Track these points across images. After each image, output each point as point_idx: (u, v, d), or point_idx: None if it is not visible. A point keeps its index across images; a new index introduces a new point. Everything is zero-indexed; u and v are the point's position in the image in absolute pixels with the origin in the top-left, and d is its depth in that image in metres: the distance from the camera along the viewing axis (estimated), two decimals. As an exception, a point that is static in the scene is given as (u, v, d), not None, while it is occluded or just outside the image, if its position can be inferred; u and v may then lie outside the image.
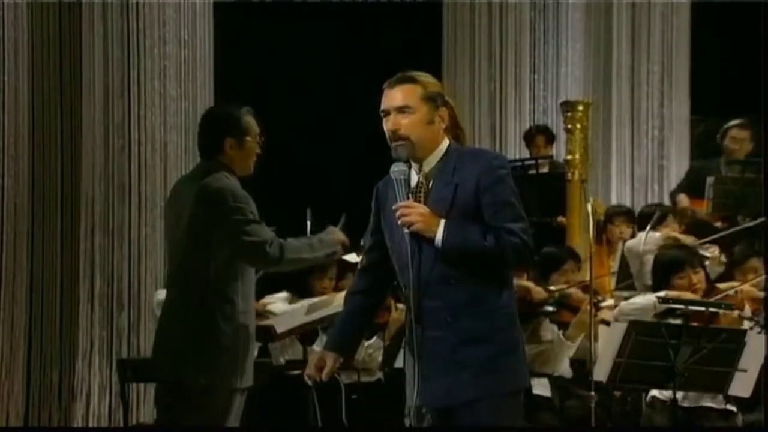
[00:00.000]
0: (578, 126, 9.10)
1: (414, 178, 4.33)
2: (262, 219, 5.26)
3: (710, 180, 9.01)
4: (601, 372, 5.99)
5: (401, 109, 4.30)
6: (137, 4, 8.45)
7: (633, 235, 8.86)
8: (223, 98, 8.76)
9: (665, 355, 5.81)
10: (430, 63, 10.06)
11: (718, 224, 9.12)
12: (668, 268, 6.66)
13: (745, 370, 5.92)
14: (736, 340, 5.91)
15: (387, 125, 4.33)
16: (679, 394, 6.18)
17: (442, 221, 4.20)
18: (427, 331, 4.24)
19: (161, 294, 6.09)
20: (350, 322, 4.55)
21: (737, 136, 9.49)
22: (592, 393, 6.45)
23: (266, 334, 6.36)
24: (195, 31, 8.74)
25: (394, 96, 4.33)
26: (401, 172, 4.30)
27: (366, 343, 7.08)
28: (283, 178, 9.35)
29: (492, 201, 4.22)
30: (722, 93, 10.30)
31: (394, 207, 4.26)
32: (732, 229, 8.46)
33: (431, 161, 4.32)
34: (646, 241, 8.21)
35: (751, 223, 8.41)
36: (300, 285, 6.92)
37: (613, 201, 10.22)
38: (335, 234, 5.48)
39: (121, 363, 7.09)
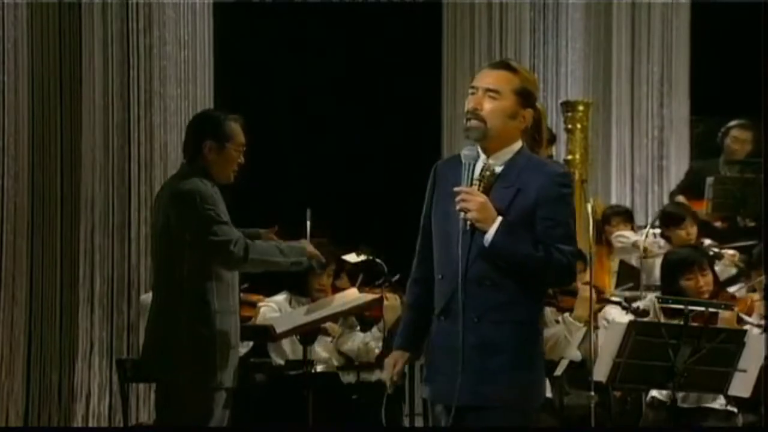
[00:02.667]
0: (578, 126, 9.11)
1: (479, 168, 4.22)
2: (230, 220, 5.32)
3: (710, 180, 9.01)
4: (600, 372, 5.98)
5: (490, 91, 4.20)
6: (137, 4, 8.44)
7: (632, 235, 8.88)
8: (222, 98, 8.77)
9: (665, 355, 5.80)
10: (430, 63, 10.07)
11: (718, 224, 9.13)
12: (676, 268, 6.64)
13: (744, 371, 5.91)
14: (736, 340, 5.91)
15: (469, 102, 4.23)
16: (679, 395, 6.18)
17: (499, 218, 4.11)
18: (452, 327, 4.16)
19: (148, 297, 6.20)
20: (411, 316, 4.41)
21: (739, 137, 9.50)
22: (592, 393, 6.45)
23: (266, 334, 6.37)
24: (195, 32, 8.73)
25: (488, 76, 4.24)
26: (472, 156, 4.19)
27: (362, 335, 7.09)
28: (283, 178, 9.36)
29: (547, 216, 4.14)
30: (722, 93, 10.29)
31: (455, 189, 4.16)
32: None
33: (500, 157, 4.22)
34: (648, 241, 8.24)
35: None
36: (298, 283, 6.92)
37: (613, 201, 10.22)
38: (306, 244, 5.52)
39: (121, 363, 7.10)
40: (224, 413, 5.37)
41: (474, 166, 4.19)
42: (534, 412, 4.24)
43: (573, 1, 10.54)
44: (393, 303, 6.95)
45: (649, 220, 8.87)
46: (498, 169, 4.21)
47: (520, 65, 4.33)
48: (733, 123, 9.57)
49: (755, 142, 9.43)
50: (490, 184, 4.19)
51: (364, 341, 7.02)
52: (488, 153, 4.23)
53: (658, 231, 8.46)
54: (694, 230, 8.46)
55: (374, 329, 7.06)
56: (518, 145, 4.25)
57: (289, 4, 9.73)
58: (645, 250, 8.20)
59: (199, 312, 5.27)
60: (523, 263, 4.12)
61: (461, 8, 10.30)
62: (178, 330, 5.28)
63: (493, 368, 4.12)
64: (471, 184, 4.17)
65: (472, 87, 4.25)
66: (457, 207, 4.13)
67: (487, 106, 4.19)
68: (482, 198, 4.12)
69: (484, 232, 4.11)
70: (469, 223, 4.13)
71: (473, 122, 4.20)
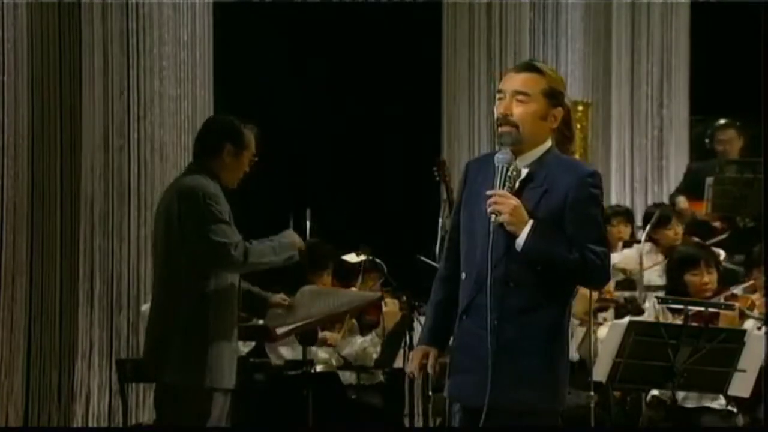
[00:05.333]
0: (578, 126, 9.11)
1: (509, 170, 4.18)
2: (231, 220, 5.30)
3: (709, 180, 9.04)
4: (600, 372, 5.99)
5: (519, 94, 4.17)
6: (137, 4, 8.44)
7: (632, 235, 8.89)
8: (222, 98, 8.77)
9: (664, 355, 5.81)
10: (430, 63, 10.08)
11: (717, 224, 9.15)
12: (683, 263, 6.66)
13: (744, 371, 5.92)
14: (736, 340, 5.91)
15: (498, 108, 4.21)
16: (680, 395, 6.18)
17: (531, 221, 4.08)
18: (472, 326, 4.15)
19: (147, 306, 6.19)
20: (437, 313, 4.34)
21: (722, 137, 9.56)
22: (592, 393, 6.46)
23: (265, 334, 6.36)
24: (194, 31, 8.73)
25: (515, 79, 4.21)
26: (505, 159, 4.14)
27: (360, 339, 7.09)
28: (282, 178, 9.36)
29: (578, 217, 4.11)
30: (722, 93, 10.30)
31: (488, 192, 4.12)
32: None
33: (528, 158, 4.20)
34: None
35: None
36: (298, 283, 6.90)
37: (613, 201, 10.24)
38: (291, 237, 5.51)
39: (121, 363, 7.10)
40: (224, 414, 5.36)
41: (507, 169, 4.14)
42: (559, 414, 4.21)
43: (573, 1, 10.55)
44: (392, 309, 6.95)
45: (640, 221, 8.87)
46: (524, 170, 4.18)
47: (545, 65, 4.32)
48: (715, 125, 9.63)
49: (745, 137, 9.44)
50: (518, 185, 4.15)
51: (362, 346, 7.02)
52: (518, 154, 4.20)
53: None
54: (680, 229, 8.48)
55: (372, 334, 7.06)
56: (548, 144, 4.23)
57: (289, 4, 9.73)
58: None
59: (199, 313, 5.26)
60: (556, 265, 4.10)
61: (461, 8, 10.31)
62: (177, 330, 5.27)
63: (518, 370, 4.08)
64: (503, 187, 4.13)
65: (500, 92, 4.22)
66: (489, 209, 4.10)
67: (517, 110, 4.17)
68: (515, 201, 4.09)
69: (515, 235, 4.09)
70: (495, 224, 4.09)
71: (505, 128, 4.18)
